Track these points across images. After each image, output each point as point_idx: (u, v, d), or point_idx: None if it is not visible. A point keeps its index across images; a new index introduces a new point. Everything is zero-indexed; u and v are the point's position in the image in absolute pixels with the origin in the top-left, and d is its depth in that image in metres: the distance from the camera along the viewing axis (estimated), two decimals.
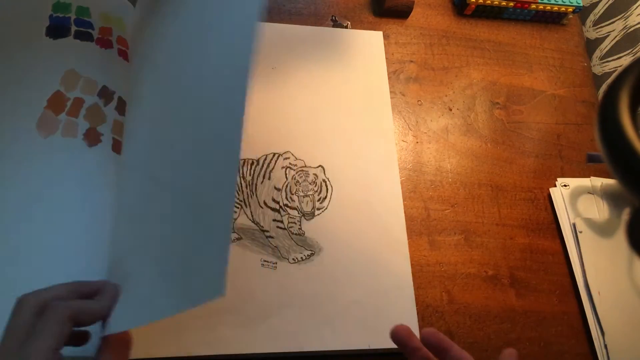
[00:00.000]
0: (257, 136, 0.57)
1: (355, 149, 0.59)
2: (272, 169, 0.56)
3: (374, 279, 0.54)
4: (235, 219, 0.54)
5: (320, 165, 0.58)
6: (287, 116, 0.59)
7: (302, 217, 0.55)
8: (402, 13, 0.70)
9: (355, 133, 0.60)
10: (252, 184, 0.56)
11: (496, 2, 0.70)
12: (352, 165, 0.59)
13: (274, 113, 0.59)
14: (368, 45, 0.65)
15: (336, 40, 0.65)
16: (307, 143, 0.58)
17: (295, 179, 0.56)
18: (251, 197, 0.55)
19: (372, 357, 0.52)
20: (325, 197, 0.56)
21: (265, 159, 0.57)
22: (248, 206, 0.55)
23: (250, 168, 0.56)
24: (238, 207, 0.55)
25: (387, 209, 0.57)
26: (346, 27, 0.67)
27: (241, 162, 0.56)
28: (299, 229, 0.55)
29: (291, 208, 0.55)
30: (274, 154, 0.57)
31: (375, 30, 0.67)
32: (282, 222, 0.55)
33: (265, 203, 0.55)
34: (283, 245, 0.54)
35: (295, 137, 0.58)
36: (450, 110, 0.66)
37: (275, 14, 0.66)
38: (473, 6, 0.71)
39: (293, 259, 0.53)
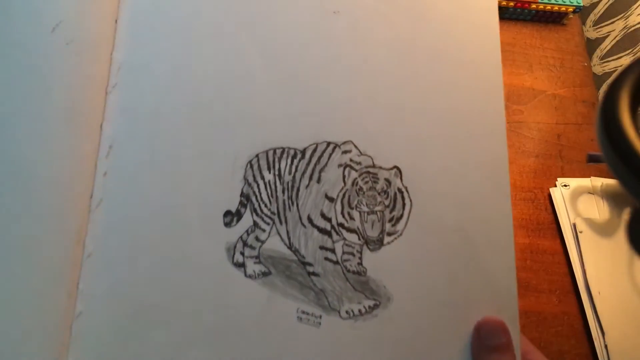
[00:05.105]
0: (303, 114, 0.38)
1: (450, 146, 0.39)
2: (325, 166, 0.37)
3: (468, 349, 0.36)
4: (263, 242, 0.36)
5: (395, 167, 0.38)
6: (352, 84, 0.39)
7: (365, 246, 0.37)
8: None
9: (452, 122, 0.39)
10: (293, 187, 0.37)
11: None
12: (444, 170, 0.38)
13: (334, 78, 0.38)
14: None
15: None
16: (378, 130, 0.38)
17: (357, 184, 0.37)
18: (289, 208, 0.37)
19: None
20: (401, 217, 0.37)
21: (315, 151, 0.37)
22: (284, 222, 0.36)
23: (292, 163, 0.37)
24: (268, 223, 0.36)
25: (491, 245, 0.37)
26: None
27: (279, 151, 0.37)
28: (358, 264, 0.36)
29: (349, 230, 0.37)
30: (329, 144, 0.37)
31: None
32: (333, 251, 0.36)
33: (310, 219, 0.37)
34: (333, 288, 0.36)
35: (362, 118, 0.38)
36: None
37: None
38: None
39: (347, 311, 0.35)
